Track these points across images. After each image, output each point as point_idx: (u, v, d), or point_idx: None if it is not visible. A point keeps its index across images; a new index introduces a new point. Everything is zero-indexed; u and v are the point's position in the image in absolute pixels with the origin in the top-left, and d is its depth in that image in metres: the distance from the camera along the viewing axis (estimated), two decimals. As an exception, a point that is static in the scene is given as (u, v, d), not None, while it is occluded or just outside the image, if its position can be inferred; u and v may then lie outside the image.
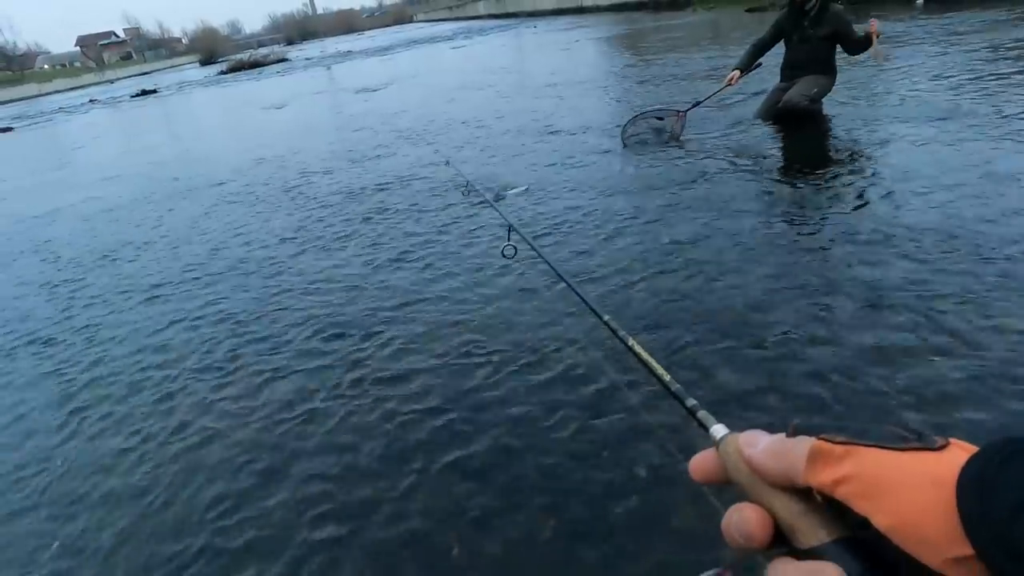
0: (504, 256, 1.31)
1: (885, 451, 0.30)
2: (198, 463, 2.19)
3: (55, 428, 2.61)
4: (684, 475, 0.41)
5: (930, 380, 1.92)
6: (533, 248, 1.09)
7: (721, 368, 2.14)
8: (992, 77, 5.20)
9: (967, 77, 5.33)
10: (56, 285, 4.37)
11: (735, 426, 0.40)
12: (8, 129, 20.92)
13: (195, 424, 2.42)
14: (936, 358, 2.01)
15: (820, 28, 4.77)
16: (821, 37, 4.79)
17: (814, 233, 3.07)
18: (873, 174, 3.66)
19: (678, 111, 5.28)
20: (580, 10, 30.46)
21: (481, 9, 52.20)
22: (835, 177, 3.73)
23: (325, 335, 2.91)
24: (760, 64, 5.22)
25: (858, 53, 4.81)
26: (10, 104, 44.10)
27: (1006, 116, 4.17)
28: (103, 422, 2.57)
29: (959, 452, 0.29)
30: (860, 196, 3.38)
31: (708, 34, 12.66)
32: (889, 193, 3.33)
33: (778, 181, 3.88)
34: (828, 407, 1.89)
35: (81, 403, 2.76)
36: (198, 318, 3.37)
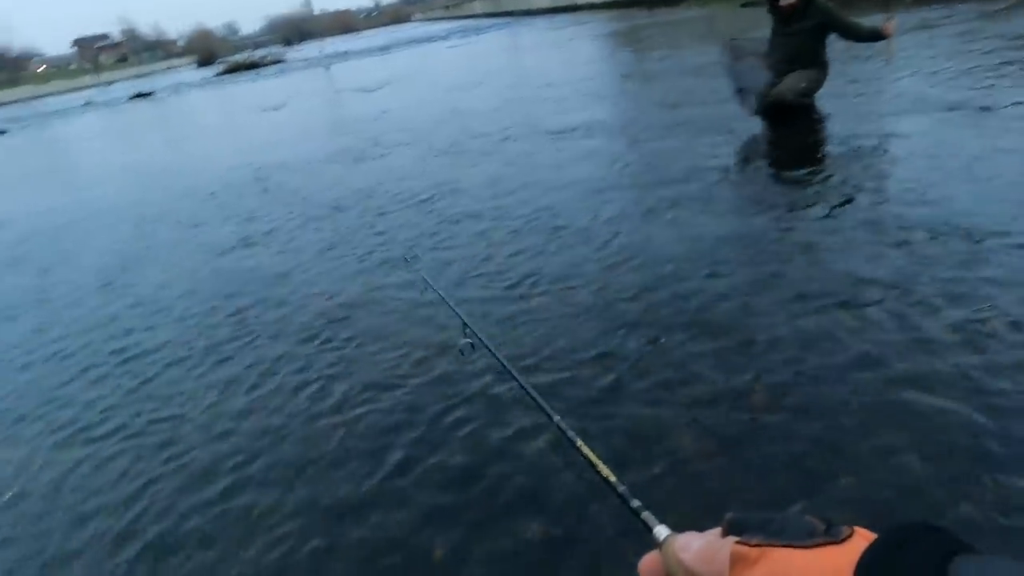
0: (461, 354, 1.24)
1: (794, 550, 0.31)
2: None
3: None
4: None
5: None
6: (487, 347, 1.05)
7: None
8: (984, 69, 5.12)
9: (959, 70, 5.26)
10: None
11: (679, 523, 0.42)
12: (1, 132, 20.88)
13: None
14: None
15: (805, 21, 4.73)
16: (808, 30, 4.74)
17: (792, 253, 2.90)
18: (862, 172, 3.59)
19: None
20: (574, 8, 30.30)
21: (477, 8, 52.09)
22: (817, 179, 3.66)
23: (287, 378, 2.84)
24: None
25: (860, 42, 4.81)
26: (6, 107, 44.01)
27: (1001, 107, 4.10)
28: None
29: (860, 542, 0.30)
30: (844, 195, 3.31)
31: (704, 29, 12.58)
32: (877, 191, 3.26)
33: (765, 185, 3.80)
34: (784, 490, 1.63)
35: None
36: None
